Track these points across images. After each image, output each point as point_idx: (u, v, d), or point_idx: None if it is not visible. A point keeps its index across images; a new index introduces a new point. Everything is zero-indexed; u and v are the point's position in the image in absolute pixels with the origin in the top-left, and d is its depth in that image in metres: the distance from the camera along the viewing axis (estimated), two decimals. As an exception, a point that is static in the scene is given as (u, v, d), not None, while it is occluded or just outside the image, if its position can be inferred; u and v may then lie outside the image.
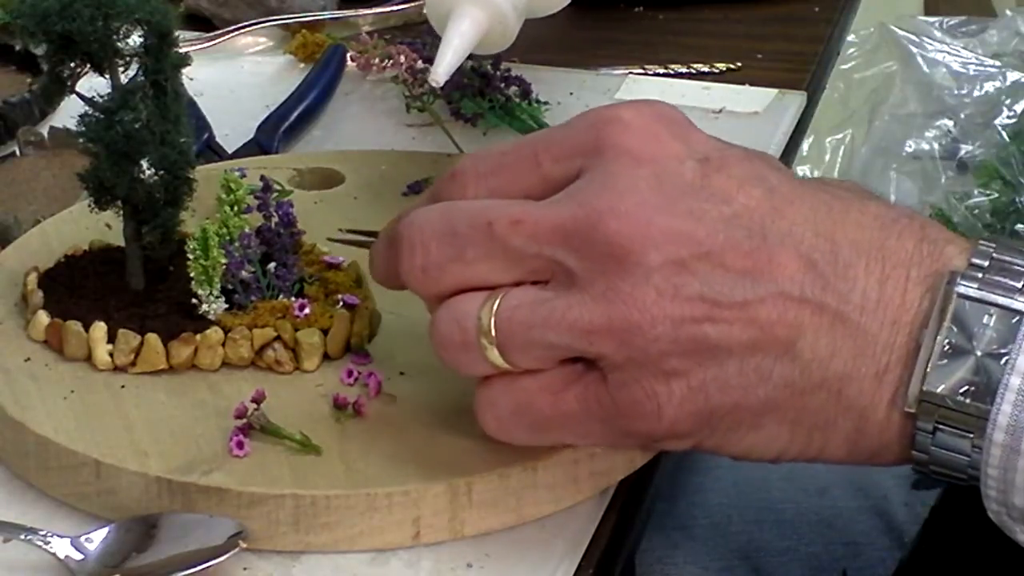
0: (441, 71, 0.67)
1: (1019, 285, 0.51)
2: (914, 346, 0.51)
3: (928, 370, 0.51)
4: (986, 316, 0.50)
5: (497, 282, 0.54)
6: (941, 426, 0.51)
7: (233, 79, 1.02)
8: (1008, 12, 1.78)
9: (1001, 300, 0.51)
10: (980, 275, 0.51)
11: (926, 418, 0.51)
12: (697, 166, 0.53)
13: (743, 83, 0.99)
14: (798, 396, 0.52)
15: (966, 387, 0.50)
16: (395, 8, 1.11)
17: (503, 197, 0.55)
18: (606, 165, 0.53)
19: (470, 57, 0.94)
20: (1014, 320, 0.50)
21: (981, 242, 0.52)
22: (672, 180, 0.52)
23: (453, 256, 0.54)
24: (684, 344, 0.51)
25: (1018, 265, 0.52)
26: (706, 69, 1.01)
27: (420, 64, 0.96)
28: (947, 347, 0.51)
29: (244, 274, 0.63)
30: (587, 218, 0.51)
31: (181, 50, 0.63)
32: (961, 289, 0.51)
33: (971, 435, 0.51)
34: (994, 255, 0.52)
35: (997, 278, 0.51)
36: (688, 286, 0.51)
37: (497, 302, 0.53)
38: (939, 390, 0.51)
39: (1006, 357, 0.50)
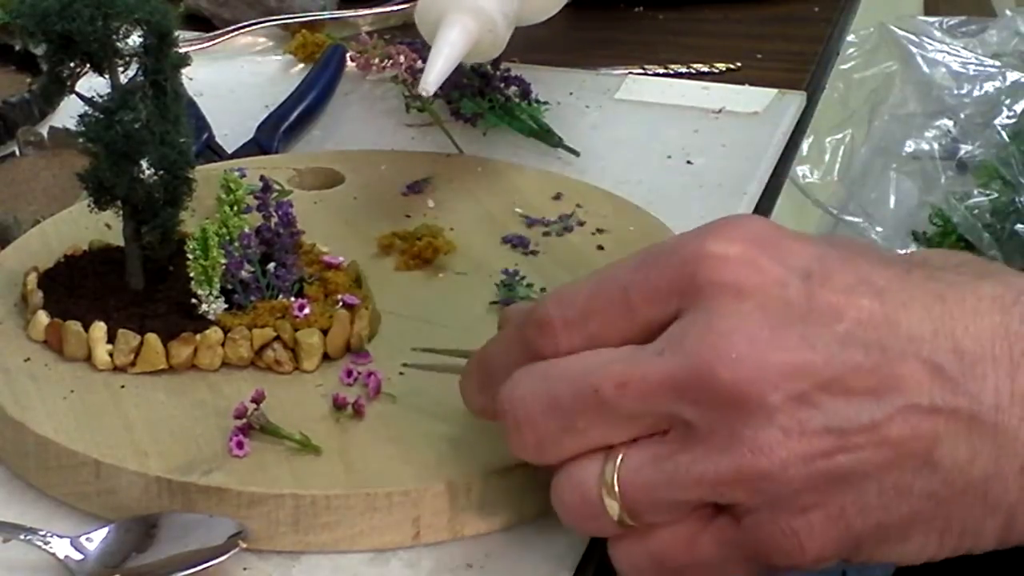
0: (431, 80, 0.67)
1: None
2: None
3: None
4: None
5: (614, 442, 0.52)
6: None
7: (233, 79, 1.02)
8: (1008, 12, 1.78)
9: None
10: None
11: None
12: (801, 285, 0.50)
13: (743, 83, 0.99)
14: (943, 505, 0.50)
15: None
16: (395, 8, 1.11)
17: (599, 346, 0.52)
18: (707, 304, 0.50)
19: (460, 65, 0.94)
20: None
21: None
22: (778, 309, 0.50)
23: (564, 427, 0.52)
24: (818, 479, 0.49)
25: None
26: (706, 69, 1.01)
27: (420, 64, 0.96)
28: None
29: (244, 274, 0.63)
30: (697, 369, 0.49)
31: (181, 50, 0.63)
32: None
33: None
34: None
35: None
36: (813, 420, 0.49)
37: (618, 464, 0.51)
38: None
39: None
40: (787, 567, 0.51)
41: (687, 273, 0.51)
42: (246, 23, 1.07)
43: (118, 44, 0.61)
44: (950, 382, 0.49)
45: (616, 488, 0.51)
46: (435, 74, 0.67)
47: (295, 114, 0.93)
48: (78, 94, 0.62)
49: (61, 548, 0.54)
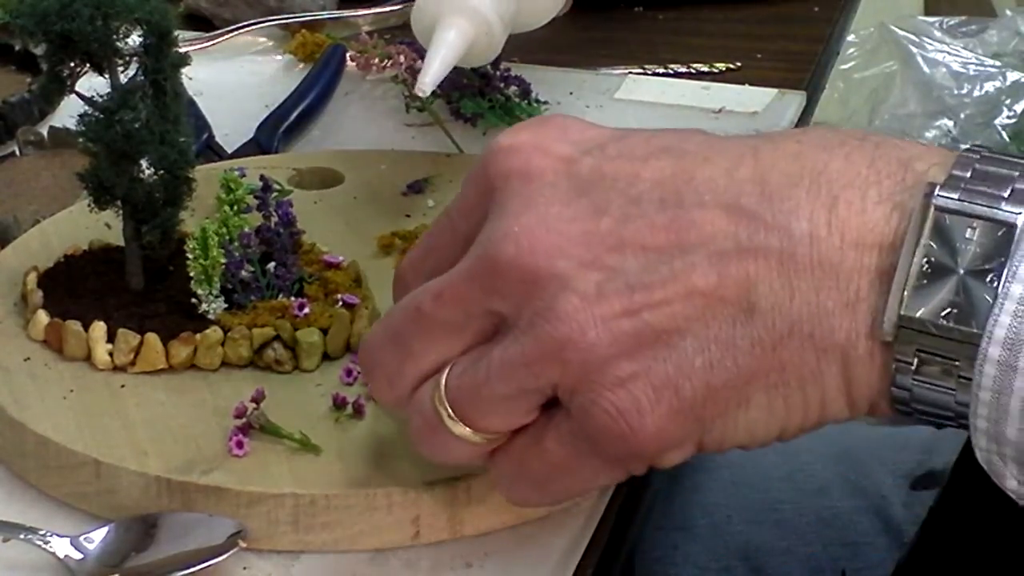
0: (428, 80, 0.67)
1: (1006, 194, 0.46)
2: (887, 268, 0.46)
3: (905, 293, 0.46)
4: (969, 230, 0.45)
5: (450, 357, 0.51)
6: (924, 354, 0.46)
7: (233, 79, 1.02)
8: (1008, 12, 1.78)
9: (985, 212, 0.45)
10: (962, 185, 0.46)
11: (906, 348, 0.46)
12: (593, 160, 0.50)
13: (743, 83, 0.99)
14: (771, 353, 0.47)
15: (949, 309, 0.45)
16: (395, 8, 1.11)
17: (439, 275, 0.51)
18: (500, 197, 0.50)
19: (455, 68, 0.94)
20: (1000, 232, 0.45)
21: (963, 152, 0.47)
22: (567, 184, 0.49)
23: (403, 355, 0.51)
24: (626, 342, 0.47)
25: (1005, 170, 0.46)
26: (706, 69, 1.01)
27: (419, 64, 0.96)
28: (926, 266, 0.46)
29: (243, 274, 0.63)
30: (490, 259, 0.48)
31: (181, 50, 0.63)
32: (940, 201, 0.46)
33: (957, 363, 0.46)
34: (977, 165, 0.47)
35: (981, 188, 0.46)
36: (611, 281, 0.47)
37: (444, 377, 0.50)
38: (919, 314, 0.45)
39: (997, 272, 0.45)
40: (633, 455, 0.49)
41: (482, 175, 0.51)
42: (246, 23, 1.07)
43: (118, 44, 0.61)
44: (754, 220, 0.47)
45: (446, 400, 0.50)
46: (431, 75, 0.67)
47: (295, 114, 0.93)
48: (78, 94, 0.62)
49: (61, 548, 0.54)
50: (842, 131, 0.49)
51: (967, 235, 0.45)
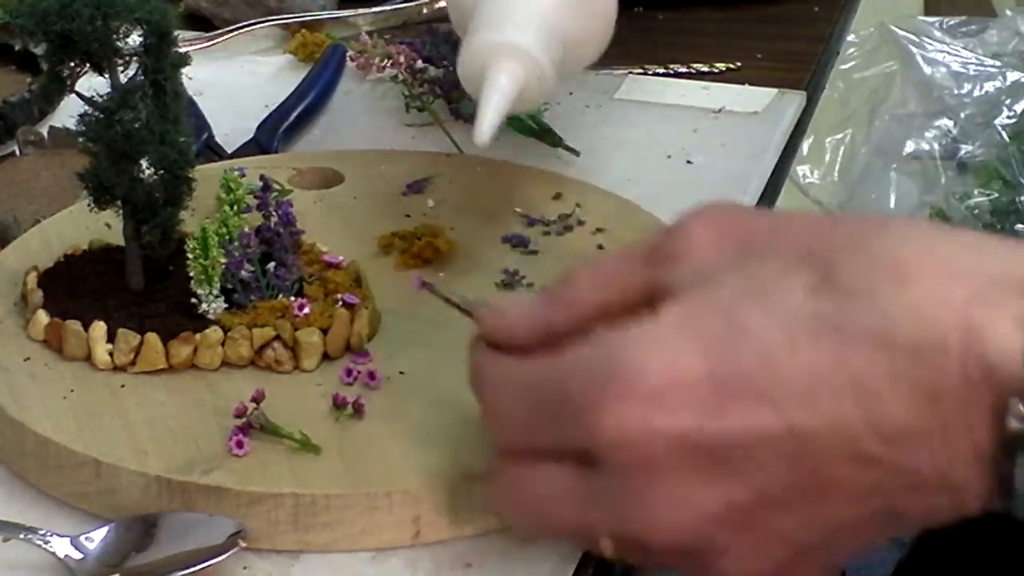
0: (485, 130, 0.62)
1: None
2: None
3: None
4: None
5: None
6: None
7: (233, 79, 1.02)
8: (1008, 12, 1.78)
9: None
10: None
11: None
12: (701, 432, 0.47)
13: (743, 83, 0.99)
14: (894, 522, 0.48)
15: None
16: (394, 7, 1.11)
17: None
18: (619, 476, 0.48)
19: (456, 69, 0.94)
20: None
21: None
22: (687, 461, 0.47)
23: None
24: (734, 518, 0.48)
25: None
26: (706, 69, 1.01)
27: (419, 64, 0.96)
28: None
29: (243, 273, 0.63)
30: (636, 535, 0.49)
31: (181, 50, 0.63)
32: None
33: None
34: None
35: None
36: (764, 545, 0.48)
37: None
38: None
39: None
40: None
41: (590, 440, 0.48)
42: (246, 23, 1.07)
43: (118, 44, 0.61)
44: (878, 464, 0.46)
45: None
46: (488, 124, 0.63)
47: (295, 114, 0.93)
48: (78, 94, 0.62)
49: (61, 547, 0.54)
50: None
51: None
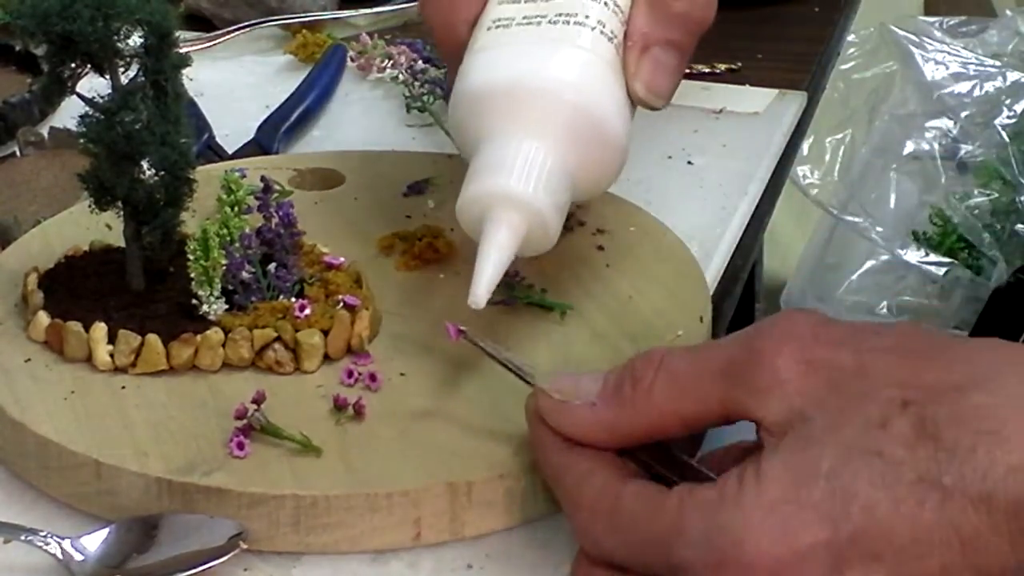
0: (482, 291, 0.59)
1: None
2: None
3: None
4: None
5: None
6: None
7: (233, 79, 1.02)
8: (1008, 12, 1.78)
9: None
10: None
11: None
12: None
13: (743, 83, 0.99)
14: None
15: None
16: (395, 8, 1.11)
17: None
18: None
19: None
20: None
21: None
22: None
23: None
24: None
25: None
26: (706, 69, 1.01)
27: (420, 64, 0.96)
28: None
29: (244, 275, 0.63)
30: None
31: (181, 50, 0.63)
32: None
33: None
34: None
35: None
36: None
37: None
38: None
39: None
40: None
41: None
42: (246, 23, 1.07)
43: (119, 45, 0.61)
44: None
45: None
46: (485, 284, 0.59)
47: (295, 114, 0.93)
48: (79, 95, 0.62)
49: (61, 549, 0.54)
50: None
51: None
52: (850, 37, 1.60)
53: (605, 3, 0.64)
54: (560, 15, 0.64)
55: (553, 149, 0.62)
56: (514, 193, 0.61)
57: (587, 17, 0.63)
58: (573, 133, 0.62)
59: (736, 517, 0.49)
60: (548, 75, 0.62)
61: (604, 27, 0.63)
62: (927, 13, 2.05)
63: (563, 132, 0.62)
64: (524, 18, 0.64)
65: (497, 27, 0.64)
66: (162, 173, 0.64)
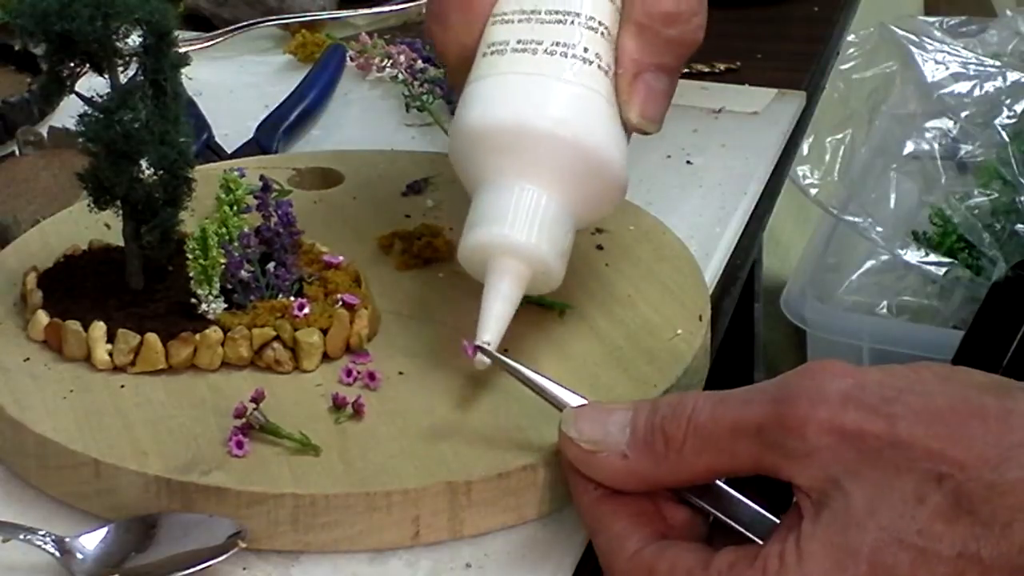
0: (487, 338, 0.59)
1: None
2: None
3: None
4: None
5: None
6: None
7: (232, 79, 1.02)
8: (1008, 12, 1.78)
9: None
10: None
11: None
12: None
13: (743, 83, 0.99)
14: None
15: None
16: (395, 8, 1.11)
17: None
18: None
19: None
20: None
21: None
22: None
23: None
24: None
25: None
26: (706, 69, 1.01)
27: (419, 64, 0.96)
28: None
29: (243, 274, 0.63)
30: None
31: (180, 50, 0.63)
32: None
33: None
34: None
35: None
36: None
37: None
38: None
39: None
40: None
41: None
42: (246, 23, 1.07)
43: (118, 44, 0.61)
44: None
45: None
46: (490, 334, 0.59)
47: (295, 114, 0.93)
48: (78, 94, 0.62)
49: (60, 548, 0.54)
50: None
51: None
52: (850, 37, 1.60)
53: (596, 28, 0.63)
54: (555, 44, 0.63)
55: (553, 191, 0.61)
56: (515, 243, 0.60)
57: (582, 49, 0.62)
58: (572, 172, 0.61)
59: None
60: (545, 115, 0.61)
61: (598, 56, 0.62)
62: (927, 13, 2.05)
63: (562, 172, 0.61)
64: (519, 42, 0.63)
65: (492, 53, 0.63)
66: (161, 172, 0.64)
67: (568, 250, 0.62)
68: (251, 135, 0.90)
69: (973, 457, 0.49)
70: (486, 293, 0.60)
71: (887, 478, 0.49)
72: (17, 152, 0.86)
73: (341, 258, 0.68)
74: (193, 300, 0.63)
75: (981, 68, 1.67)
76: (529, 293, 0.61)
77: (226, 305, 0.63)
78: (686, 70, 1.00)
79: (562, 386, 0.57)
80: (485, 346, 0.58)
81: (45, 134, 0.87)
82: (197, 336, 0.62)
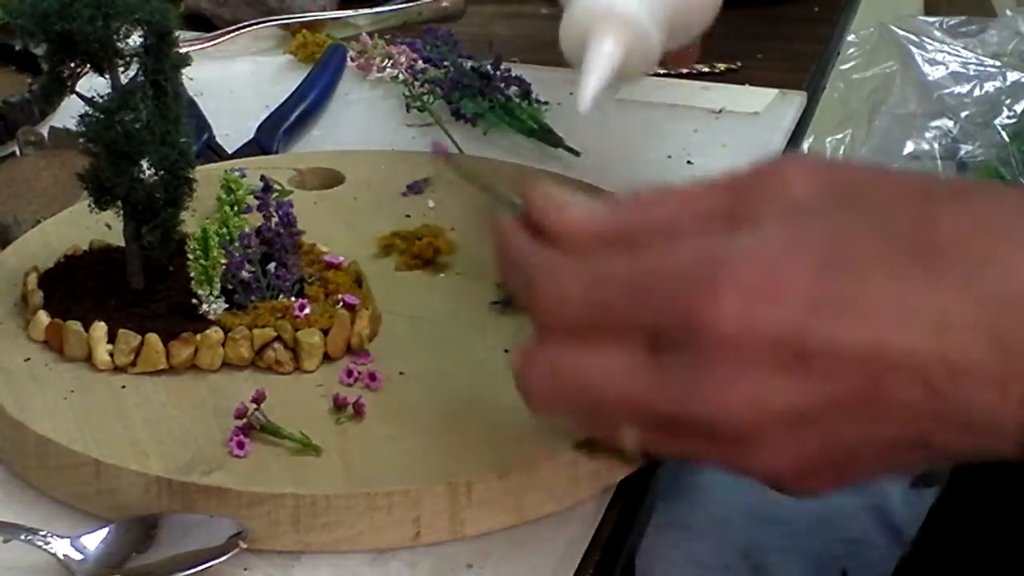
0: (587, 96, 0.61)
1: None
2: None
3: None
4: None
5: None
6: None
7: (233, 79, 1.02)
8: (1008, 12, 1.78)
9: None
10: None
11: None
12: (794, 344, 0.49)
13: (743, 83, 0.99)
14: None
15: None
16: (395, 8, 1.11)
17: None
18: (704, 356, 0.50)
19: (460, 64, 0.93)
20: None
21: None
22: (772, 358, 0.49)
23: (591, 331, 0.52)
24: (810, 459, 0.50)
25: None
26: (706, 69, 1.01)
27: (420, 64, 0.96)
28: None
29: (244, 274, 0.63)
30: (697, 416, 0.50)
31: (181, 50, 0.63)
32: None
33: None
34: None
35: None
36: (807, 441, 0.50)
37: (637, 436, 0.52)
38: None
39: None
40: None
41: (684, 319, 0.50)
42: (246, 23, 1.07)
43: (118, 44, 0.61)
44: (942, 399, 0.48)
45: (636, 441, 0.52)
46: (590, 90, 0.61)
47: (295, 114, 0.93)
48: (78, 94, 0.62)
49: (61, 548, 0.54)
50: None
51: None
52: (850, 37, 1.60)
53: None
54: None
55: None
56: (617, 7, 0.62)
57: None
58: None
59: (730, 246, 0.49)
60: None
61: None
62: (927, 13, 2.05)
63: None
64: None
65: None
66: (162, 172, 0.64)
67: (665, 31, 0.63)
68: (252, 135, 0.90)
69: (944, 191, 0.51)
70: (587, 56, 0.61)
71: (859, 205, 0.51)
72: (18, 152, 0.86)
73: (342, 258, 0.68)
74: (194, 300, 0.63)
75: (981, 68, 1.67)
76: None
77: (227, 305, 0.63)
78: (687, 70, 1.01)
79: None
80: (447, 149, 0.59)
81: (46, 134, 0.87)
82: (198, 336, 0.62)
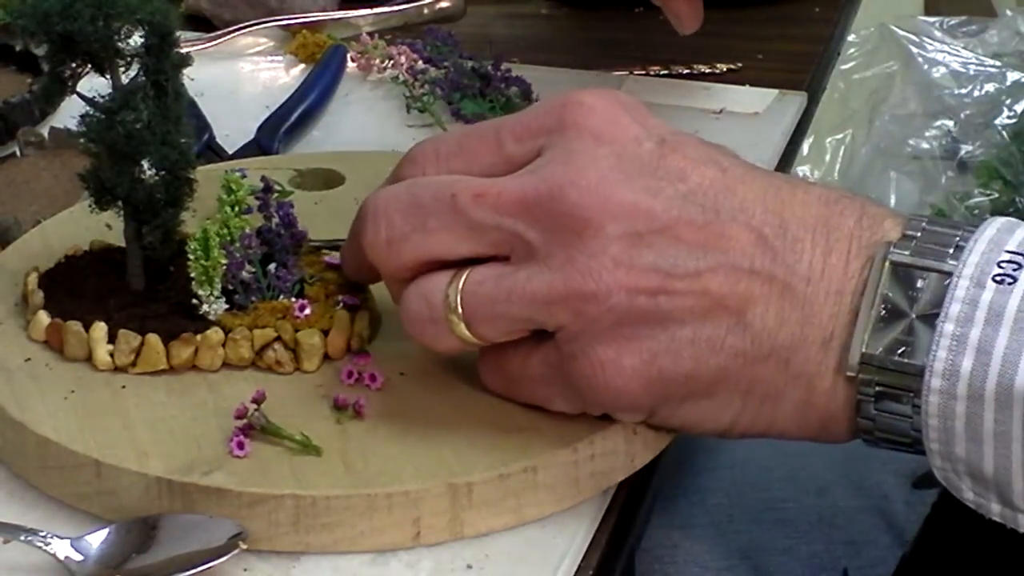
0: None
1: (949, 251, 0.53)
2: (856, 314, 0.53)
3: (866, 335, 0.53)
4: (920, 280, 0.53)
5: (459, 255, 0.56)
6: (882, 387, 0.53)
7: (233, 79, 1.02)
8: (1008, 12, 1.78)
9: (933, 264, 0.53)
10: (913, 244, 0.54)
11: (868, 381, 0.53)
12: (654, 147, 0.55)
13: (743, 83, 0.99)
14: (749, 365, 0.54)
15: (902, 347, 0.52)
16: (395, 8, 1.11)
17: (463, 175, 0.57)
18: (567, 143, 0.55)
19: (460, 65, 0.93)
20: (946, 282, 0.52)
21: (913, 216, 0.55)
22: (630, 159, 0.55)
23: (416, 227, 0.56)
24: (637, 314, 0.53)
25: (947, 234, 0.54)
26: (706, 69, 1.01)
27: (420, 65, 0.96)
28: (883, 311, 0.53)
29: (245, 275, 0.63)
30: (548, 191, 0.54)
31: (182, 50, 0.63)
32: (895, 257, 0.53)
33: (911, 394, 0.53)
34: (925, 226, 0.54)
35: (928, 245, 0.54)
36: (643, 258, 0.53)
37: (463, 279, 0.56)
38: (877, 352, 0.53)
39: (939, 313, 0.52)
40: (595, 403, 0.56)
41: (554, 116, 0.56)
42: (247, 23, 1.07)
43: (119, 44, 0.61)
44: (770, 251, 0.54)
45: (459, 300, 0.56)
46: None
47: (296, 115, 0.93)
48: (79, 94, 0.62)
49: (61, 549, 0.54)
50: (837, 190, 0.57)
51: (919, 285, 0.53)
52: (850, 37, 1.60)
53: None
54: None
55: None
56: None
57: None
58: None
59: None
60: None
61: None
62: (927, 13, 2.05)
63: None
64: None
65: None
66: (162, 173, 0.64)
67: None
68: (252, 136, 0.90)
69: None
70: None
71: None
72: (18, 153, 0.86)
73: (342, 259, 0.68)
74: (194, 301, 0.63)
75: (981, 68, 1.67)
76: None
77: (227, 306, 0.63)
78: (687, 71, 1.01)
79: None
80: None
81: (46, 135, 0.87)
82: (198, 337, 0.62)
